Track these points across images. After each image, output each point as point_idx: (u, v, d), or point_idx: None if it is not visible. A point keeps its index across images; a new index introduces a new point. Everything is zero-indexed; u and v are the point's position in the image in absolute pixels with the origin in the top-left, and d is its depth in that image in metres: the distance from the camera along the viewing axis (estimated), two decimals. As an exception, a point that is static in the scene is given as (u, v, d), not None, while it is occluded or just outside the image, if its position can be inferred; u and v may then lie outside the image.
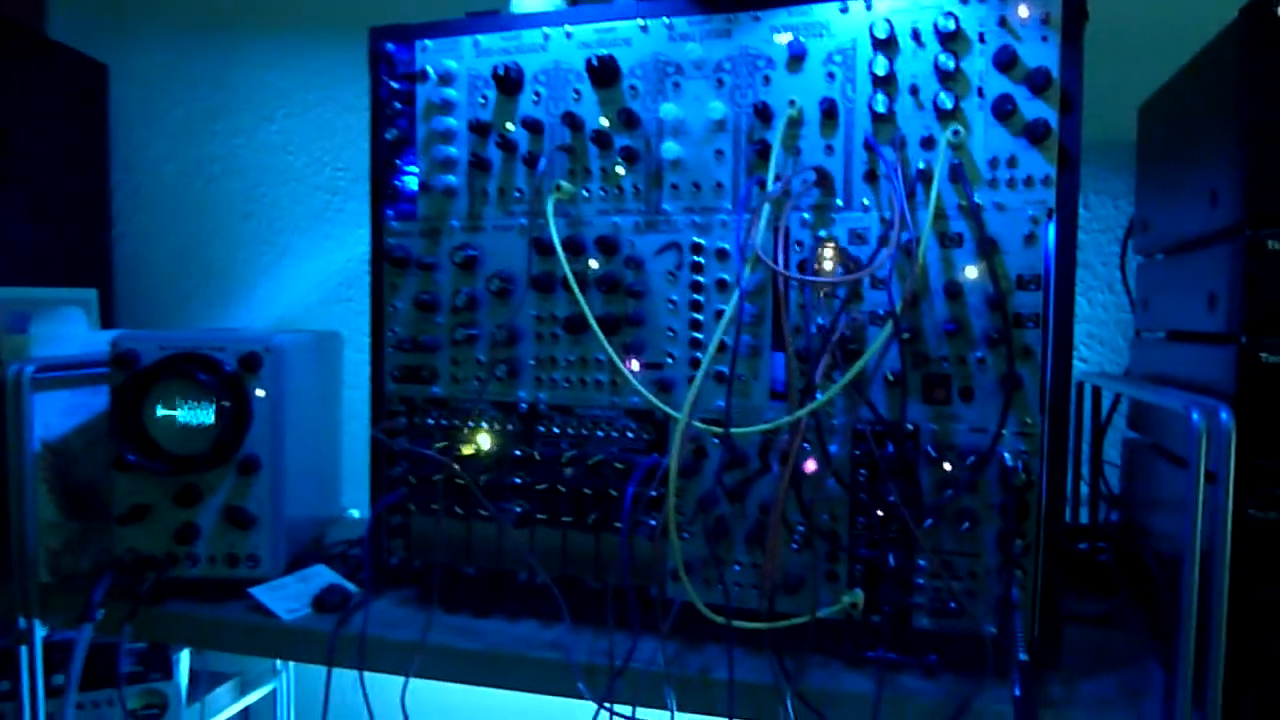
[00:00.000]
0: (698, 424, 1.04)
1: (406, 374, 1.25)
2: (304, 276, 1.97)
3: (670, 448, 1.03)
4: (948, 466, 1.04)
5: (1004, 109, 1.00)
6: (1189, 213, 1.10)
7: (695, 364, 1.12)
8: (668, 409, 1.06)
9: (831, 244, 1.06)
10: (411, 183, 1.24)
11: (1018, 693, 0.91)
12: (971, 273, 1.02)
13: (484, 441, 1.21)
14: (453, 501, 1.21)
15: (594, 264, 1.15)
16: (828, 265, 1.06)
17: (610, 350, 1.06)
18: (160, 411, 1.26)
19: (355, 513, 1.81)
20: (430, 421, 1.24)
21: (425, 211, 1.23)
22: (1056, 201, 1.00)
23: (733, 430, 1.01)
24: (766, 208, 1.03)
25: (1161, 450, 1.18)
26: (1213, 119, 1.02)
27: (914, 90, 1.03)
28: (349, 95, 1.91)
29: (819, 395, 1.02)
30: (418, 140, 1.23)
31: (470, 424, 1.22)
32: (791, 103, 1.05)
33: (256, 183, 2.01)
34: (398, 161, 1.24)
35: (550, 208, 1.10)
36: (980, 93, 1.01)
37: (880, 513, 1.06)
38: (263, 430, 1.28)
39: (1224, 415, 0.88)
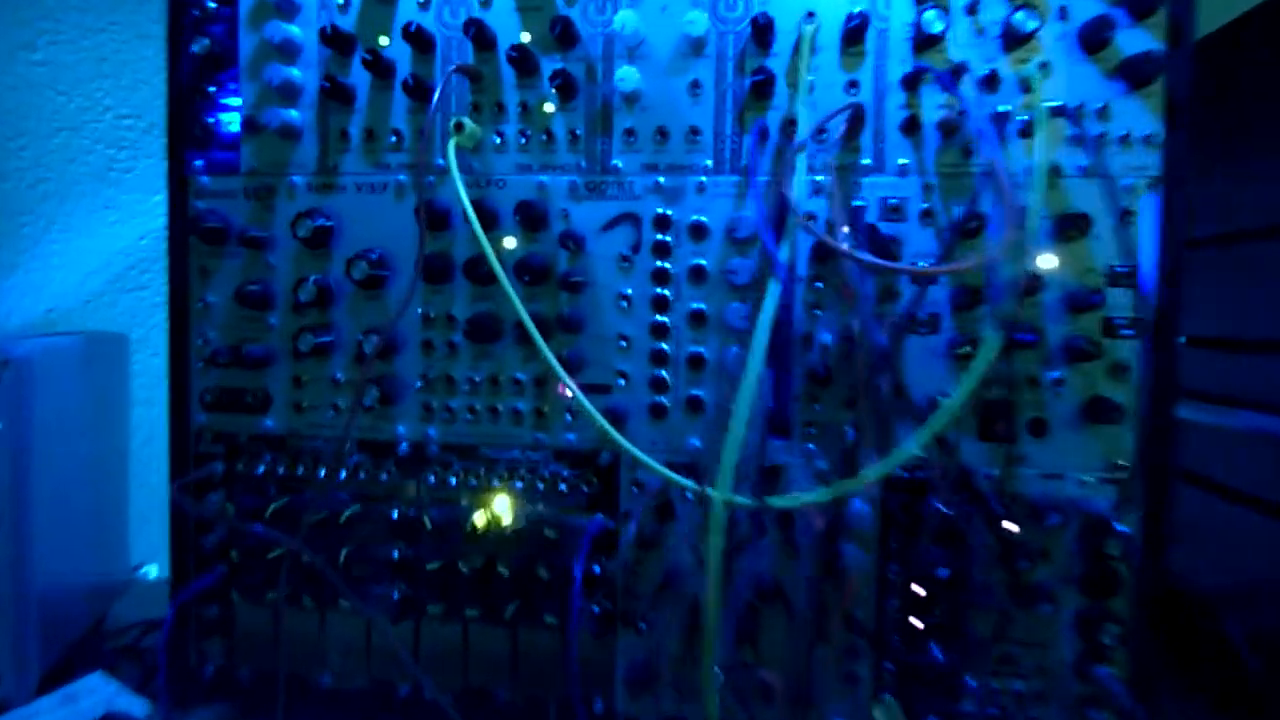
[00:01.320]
0: (739, 500, 0.70)
1: (224, 399, 0.85)
2: (79, 258, 1.49)
3: (708, 530, 0.70)
4: (1011, 526, 0.75)
5: (1097, 39, 0.72)
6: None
7: (658, 385, 0.79)
8: (690, 483, 0.71)
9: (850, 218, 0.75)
10: (232, 120, 0.84)
11: None
12: (1048, 262, 0.74)
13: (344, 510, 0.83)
14: (297, 585, 0.83)
15: (510, 242, 0.80)
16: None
17: (555, 363, 0.72)
18: None
19: (153, 571, 1.37)
20: (261, 470, 0.85)
21: (253, 162, 0.84)
22: (1163, 168, 0.73)
23: (774, 502, 0.67)
24: (800, 160, 0.70)
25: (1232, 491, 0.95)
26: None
27: (972, 9, 0.74)
28: (141, 18, 1.45)
29: (847, 435, 0.71)
30: (241, 56, 0.83)
31: (324, 471, 0.84)
32: (810, 15, 0.73)
33: (13, 132, 1.50)
34: (210, 88, 0.84)
35: (452, 155, 0.74)
36: (1063, 13, 0.73)
37: (919, 590, 0.77)
38: (-3, 482, 0.85)
39: None
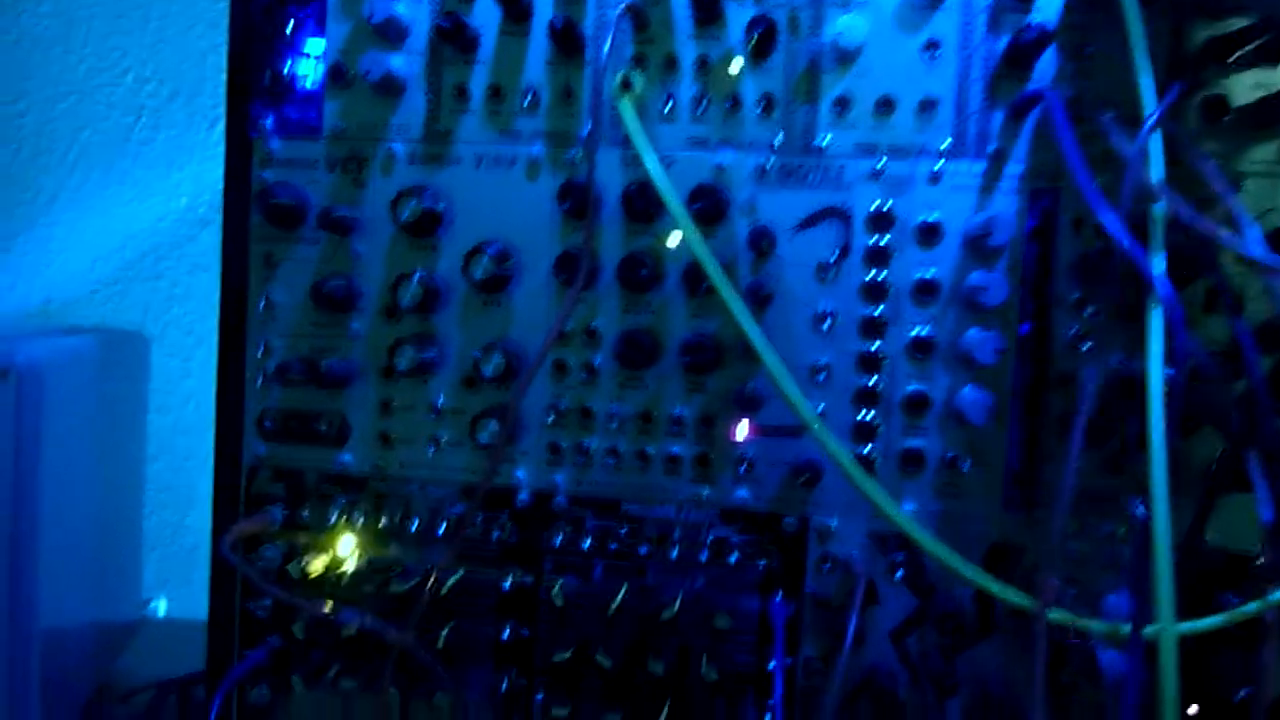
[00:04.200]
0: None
1: (290, 426, 0.66)
2: (85, 241, 1.29)
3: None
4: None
5: None
6: None
7: (863, 433, 0.61)
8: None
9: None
10: (311, 71, 0.66)
11: None
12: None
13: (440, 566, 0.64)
14: (367, 667, 0.64)
15: (674, 240, 0.62)
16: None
17: (806, 407, 0.53)
18: None
19: (162, 607, 1.17)
20: (334, 519, 0.66)
21: (339, 122, 0.65)
22: None
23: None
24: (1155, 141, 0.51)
25: None
26: None
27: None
28: (170, -36, 1.26)
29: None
30: (330, -12, 0.65)
31: (417, 523, 0.65)
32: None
33: (12, 95, 1.31)
34: (286, 26, 0.65)
35: (632, 118, 0.55)
36: None
37: (1193, 711, 0.59)
38: (-11, 525, 0.66)
39: None
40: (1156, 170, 0.48)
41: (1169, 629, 0.41)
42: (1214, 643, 0.58)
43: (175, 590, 1.30)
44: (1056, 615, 0.48)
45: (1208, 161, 0.48)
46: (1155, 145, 0.49)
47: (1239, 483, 0.52)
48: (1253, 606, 0.45)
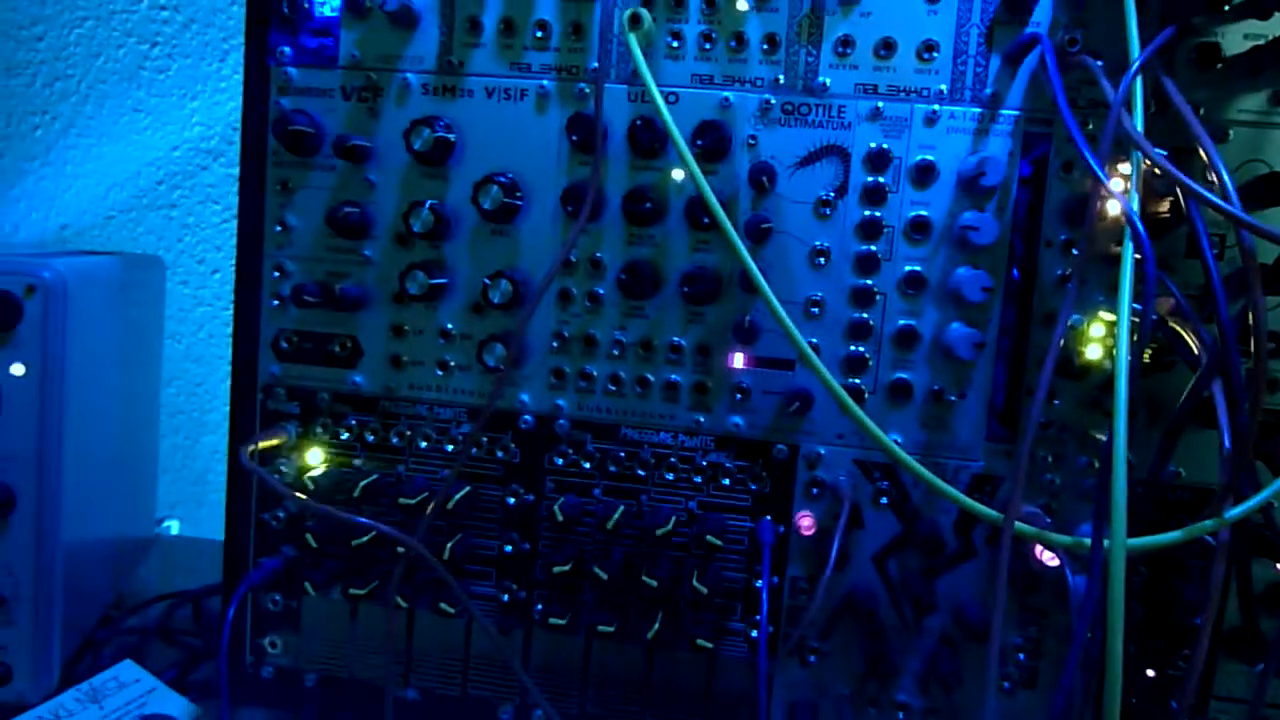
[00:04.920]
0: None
1: (304, 347, 0.69)
2: (100, 168, 1.31)
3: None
4: (1285, 566, 0.61)
5: None
6: None
7: (854, 365, 0.63)
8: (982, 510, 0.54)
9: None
10: (328, 0, 0.67)
11: None
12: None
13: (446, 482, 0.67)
14: (379, 579, 0.68)
15: (677, 174, 0.64)
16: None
17: (804, 344, 0.56)
18: None
19: (175, 526, 1.22)
20: (345, 436, 0.69)
21: (355, 52, 0.66)
22: None
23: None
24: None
25: None
26: None
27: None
28: (186, -111, 1.26)
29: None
30: (347, -84, 0.66)
31: (425, 443, 0.68)
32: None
33: (27, 19, 1.32)
34: (303, -45, 0.67)
35: (638, 52, 0.57)
36: None
37: (1156, 637, 0.63)
38: (21, 437, 0.70)
39: None
40: (1139, 114, 0.50)
41: (1120, 540, 0.44)
42: (1179, 573, 0.62)
43: (187, 512, 1.34)
44: (1022, 529, 0.51)
45: (1188, 108, 0.49)
46: (1139, 90, 0.51)
47: (1210, 421, 0.55)
48: (1208, 524, 0.48)
